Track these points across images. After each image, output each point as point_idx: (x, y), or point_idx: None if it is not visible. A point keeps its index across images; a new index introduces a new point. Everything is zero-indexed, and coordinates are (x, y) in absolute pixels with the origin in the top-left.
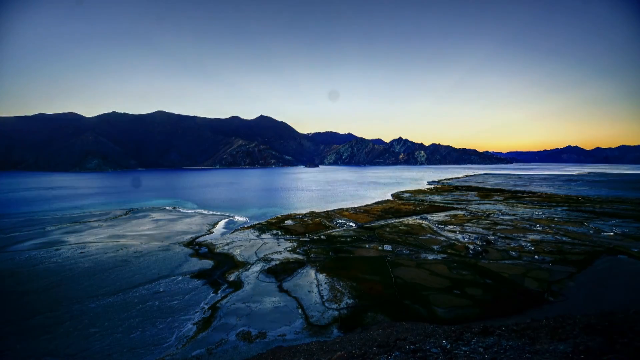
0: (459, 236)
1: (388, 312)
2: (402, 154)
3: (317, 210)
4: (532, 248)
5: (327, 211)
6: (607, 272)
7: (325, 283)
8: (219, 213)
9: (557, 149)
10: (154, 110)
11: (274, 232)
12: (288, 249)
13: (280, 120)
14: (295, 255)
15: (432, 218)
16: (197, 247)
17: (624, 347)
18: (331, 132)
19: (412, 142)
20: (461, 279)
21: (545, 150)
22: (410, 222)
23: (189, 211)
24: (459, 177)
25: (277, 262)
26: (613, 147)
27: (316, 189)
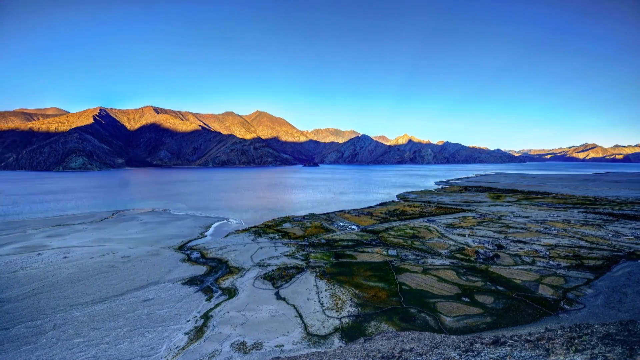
0: (469, 240)
1: (393, 321)
2: (407, 152)
3: (316, 212)
4: (547, 253)
5: (328, 213)
6: (626, 278)
7: (326, 290)
8: (212, 215)
9: (573, 146)
10: (142, 106)
11: (271, 235)
12: (286, 253)
13: (278, 116)
14: (294, 260)
15: (439, 221)
16: (188, 251)
17: None
18: (332, 129)
19: (418, 140)
20: (471, 286)
21: (561, 149)
22: (416, 225)
23: (180, 213)
24: (468, 177)
25: (274, 267)
26: (633, 145)
27: (316, 190)
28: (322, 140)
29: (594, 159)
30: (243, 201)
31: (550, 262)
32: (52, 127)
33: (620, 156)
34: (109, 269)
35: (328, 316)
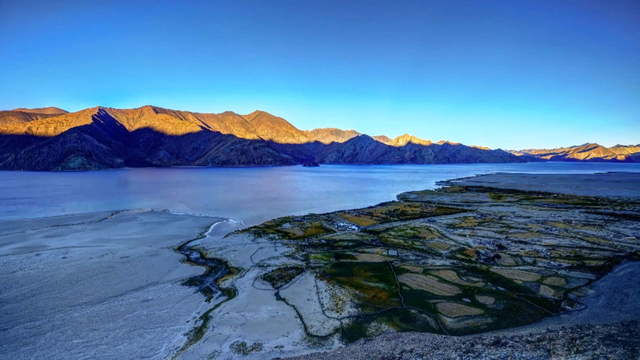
0: (469, 240)
1: (393, 321)
2: (408, 152)
3: (316, 213)
4: (548, 253)
5: (328, 213)
6: (628, 278)
7: (326, 290)
8: (211, 215)
9: (574, 146)
10: (141, 105)
11: (271, 235)
12: (286, 254)
13: (278, 116)
14: (294, 261)
15: (440, 221)
16: (188, 252)
17: None
18: (333, 128)
19: (419, 140)
20: (472, 286)
21: (562, 149)
22: (416, 226)
23: (179, 213)
24: (469, 177)
25: (274, 268)
26: (635, 145)
27: (316, 190)
28: (322, 140)
29: (595, 159)
30: (243, 201)
31: (552, 262)
32: (51, 127)
33: (622, 156)
34: (108, 269)
35: (328, 317)
